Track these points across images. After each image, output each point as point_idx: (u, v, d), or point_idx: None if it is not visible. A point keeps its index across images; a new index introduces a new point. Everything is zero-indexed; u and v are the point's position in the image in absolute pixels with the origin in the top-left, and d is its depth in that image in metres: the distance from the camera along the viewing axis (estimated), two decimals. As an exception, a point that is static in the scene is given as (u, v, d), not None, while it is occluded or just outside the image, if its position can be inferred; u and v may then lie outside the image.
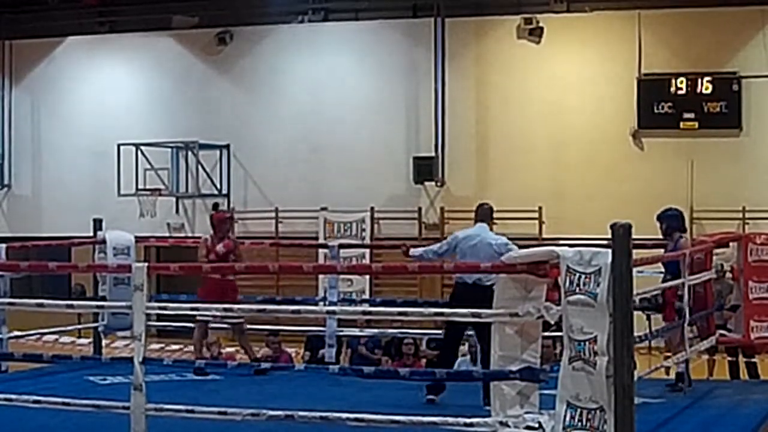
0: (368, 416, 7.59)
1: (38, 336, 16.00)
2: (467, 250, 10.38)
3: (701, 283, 10.66)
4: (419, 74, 24.59)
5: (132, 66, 26.93)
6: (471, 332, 12.21)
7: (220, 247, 12.22)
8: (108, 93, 26.90)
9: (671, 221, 10.94)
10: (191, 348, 18.44)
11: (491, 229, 10.63)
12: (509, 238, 10.44)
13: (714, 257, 11.04)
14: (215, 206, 13.10)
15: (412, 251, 10.89)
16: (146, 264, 8.07)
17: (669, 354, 10.74)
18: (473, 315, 7.87)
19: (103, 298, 12.67)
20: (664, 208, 11.02)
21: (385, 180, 24.61)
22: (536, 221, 23.21)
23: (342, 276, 17.38)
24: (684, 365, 10.46)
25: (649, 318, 13.50)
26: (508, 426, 7.16)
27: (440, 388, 10.16)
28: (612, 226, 6.89)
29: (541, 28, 23.79)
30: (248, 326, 14.34)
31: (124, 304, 8.49)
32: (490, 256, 10.11)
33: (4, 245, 12.31)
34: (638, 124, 23.13)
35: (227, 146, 25.83)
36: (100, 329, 13.46)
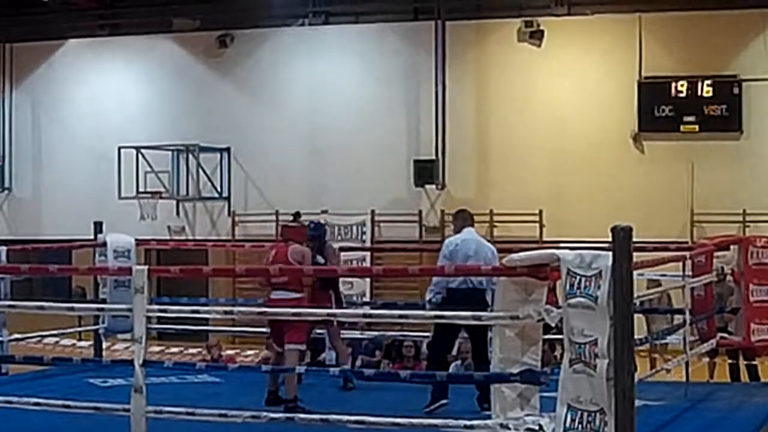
0: (369, 419, 7.59)
1: (39, 338, 15.98)
2: (469, 255, 10.33)
3: (702, 285, 10.67)
4: (420, 77, 24.59)
5: (132, 69, 26.93)
6: (466, 335, 12.22)
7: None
8: (108, 96, 26.91)
9: (318, 236, 11.34)
10: (192, 351, 18.41)
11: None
12: (510, 241, 10.50)
13: (715, 260, 11.04)
14: (297, 216, 12.07)
15: (431, 298, 10.43)
16: (147, 267, 8.07)
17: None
18: (473, 318, 7.87)
19: (104, 301, 12.66)
20: (308, 224, 11.20)
21: (385, 183, 24.61)
22: (537, 224, 23.19)
23: (342, 279, 17.37)
24: None
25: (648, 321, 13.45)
26: (509, 428, 7.15)
27: (444, 393, 10.12)
28: (612, 229, 6.89)
29: (542, 31, 23.80)
30: (248, 329, 14.34)
31: (124, 306, 8.49)
32: (489, 260, 10.25)
33: (4, 248, 12.31)
34: (639, 127, 23.13)
35: (228, 149, 25.84)
36: (100, 332, 13.45)
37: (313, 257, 10.88)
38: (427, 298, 10.38)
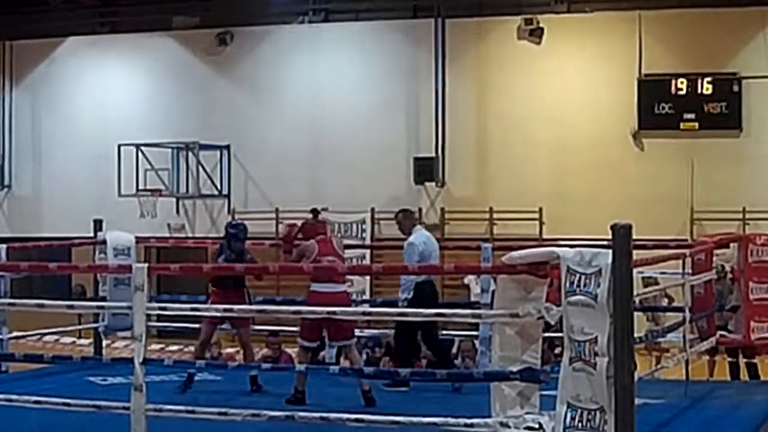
0: (368, 417, 7.59)
1: (39, 336, 16.00)
2: (432, 253, 11.13)
3: (702, 283, 10.66)
4: (420, 75, 24.59)
5: (132, 66, 26.94)
6: (472, 332, 12.34)
7: None
8: (108, 93, 26.91)
9: (237, 234, 11.41)
10: (191, 348, 18.31)
11: None
12: (509, 239, 10.66)
13: (714, 258, 11.03)
14: (317, 212, 11.98)
15: (406, 297, 10.94)
16: (146, 264, 8.07)
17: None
18: (473, 316, 7.88)
19: (104, 299, 12.66)
20: (228, 224, 11.83)
21: (385, 181, 24.61)
22: (537, 222, 23.19)
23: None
24: None
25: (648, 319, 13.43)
26: (509, 427, 7.15)
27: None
28: (612, 227, 6.89)
29: (542, 29, 23.80)
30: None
31: (124, 304, 8.49)
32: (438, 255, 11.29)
33: (4, 246, 12.29)
34: (638, 124, 23.14)
35: (227, 147, 25.85)
36: (100, 330, 13.44)
37: (236, 258, 11.11)
38: (402, 297, 10.88)
